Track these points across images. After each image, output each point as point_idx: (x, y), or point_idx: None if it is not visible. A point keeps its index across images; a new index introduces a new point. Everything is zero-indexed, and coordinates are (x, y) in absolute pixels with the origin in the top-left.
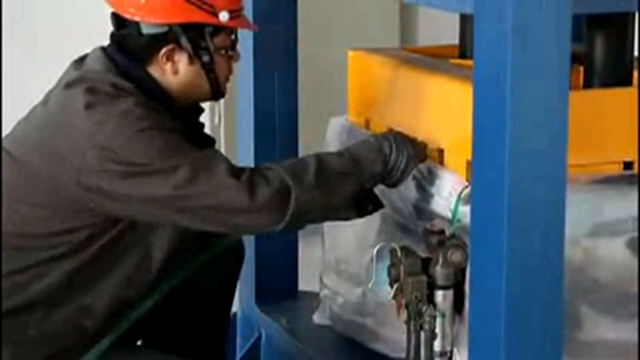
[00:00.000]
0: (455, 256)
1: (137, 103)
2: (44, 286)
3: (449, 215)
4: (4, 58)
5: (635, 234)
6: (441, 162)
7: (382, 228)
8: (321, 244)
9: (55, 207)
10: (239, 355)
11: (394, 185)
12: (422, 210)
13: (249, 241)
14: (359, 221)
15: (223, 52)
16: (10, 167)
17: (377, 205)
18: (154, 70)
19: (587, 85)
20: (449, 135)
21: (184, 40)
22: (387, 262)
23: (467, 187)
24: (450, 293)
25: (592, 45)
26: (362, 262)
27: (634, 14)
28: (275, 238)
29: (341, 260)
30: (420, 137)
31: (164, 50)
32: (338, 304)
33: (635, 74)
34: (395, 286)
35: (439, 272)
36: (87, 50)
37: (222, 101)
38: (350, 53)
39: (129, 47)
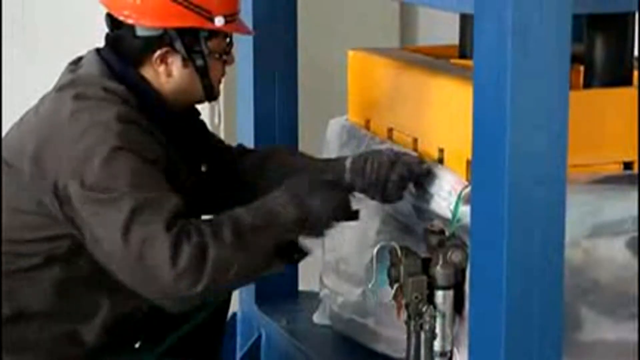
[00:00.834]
0: (456, 256)
1: (119, 117)
2: (37, 294)
3: (449, 215)
4: (4, 58)
5: (635, 234)
6: (441, 162)
7: (382, 228)
8: (321, 244)
9: (38, 213)
10: (239, 355)
11: (319, 235)
12: (422, 210)
13: None
14: (359, 221)
15: (217, 56)
16: (4, 173)
17: (302, 253)
18: (147, 73)
19: (587, 85)
20: (449, 135)
21: (178, 44)
22: (387, 262)
23: (467, 187)
24: (450, 293)
25: (592, 45)
26: (362, 262)
27: (634, 14)
28: None
29: (341, 260)
30: (420, 136)
31: (157, 53)
32: (338, 304)
33: (636, 73)
34: (395, 286)
35: (439, 272)
36: (86, 51)
37: (222, 101)
38: (350, 53)
39: (123, 48)
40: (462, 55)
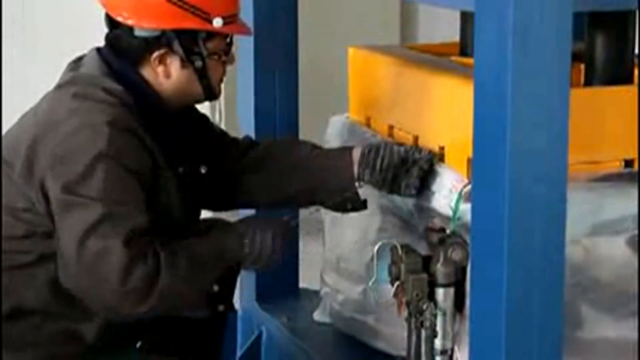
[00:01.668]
0: (456, 254)
1: (111, 122)
2: (33, 292)
3: (450, 213)
4: (4, 58)
5: (636, 232)
6: (442, 160)
7: (382, 226)
8: (322, 242)
9: (30, 210)
10: (239, 352)
11: (265, 267)
12: (422, 208)
13: None
14: (360, 219)
15: (216, 56)
16: (4, 171)
17: (229, 305)
18: (146, 73)
19: (588, 83)
20: (450, 133)
21: (176, 46)
22: (388, 260)
23: (467, 184)
24: (451, 291)
25: (593, 43)
26: (362, 260)
27: (634, 12)
28: None
29: (342, 258)
30: (421, 134)
31: (155, 54)
32: (339, 302)
33: (636, 71)
34: (396, 284)
35: (440, 270)
36: (87, 50)
37: (222, 100)
38: (351, 50)
39: (122, 48)
40: (463, 53)
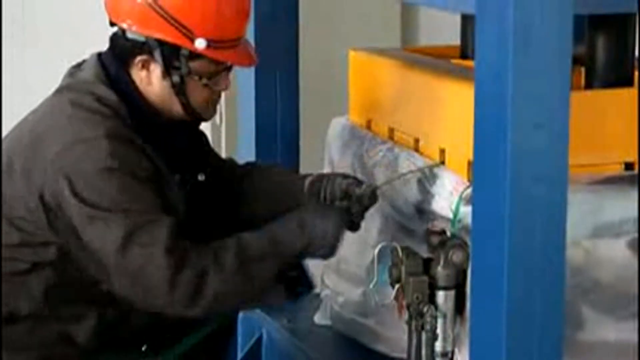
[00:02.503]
0: (457, 256)
1: (108, 133)
2: (26, 299)
3: (450, 215)
4: (4, 58)
5: (636, 234)
6: (442, 162)
7: (383, 228)
8: None
9: (26, 218)
10: (240, 355)
11: (325, 256)
12: (423, 210)
13: None
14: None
15: (197, 77)
16: (4, 175)
17: (308, 285)
18: (135, 76)
19: (588, 85)
20: (451, 136)
21: (157, 55)
22: (388, 263)
23: (468, 187)
24: (451, 293)
25: (594, 45)
26: (363, 262)
27: (635, 15)
28: None
29: (342, 260)
30: (421, 136)
31: (138, 58)
32: (339, 304)
33: (637, 74)
34: (396, 286)
35: (440, 272)
36: (87, 51)
37: (223, 101)
38: (352, 53)
39: (117, 48)
40: (464, 56)
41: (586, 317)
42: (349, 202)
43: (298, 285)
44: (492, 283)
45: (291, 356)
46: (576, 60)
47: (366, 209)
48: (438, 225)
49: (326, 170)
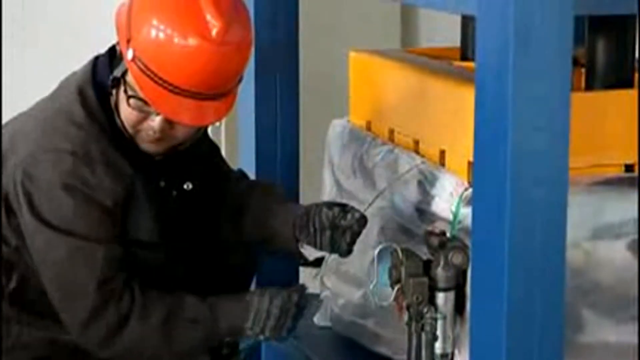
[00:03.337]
0: (457, 258)
1: (74, 150)
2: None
3: (450, 217)
4: (4, 58)
5: (636, 236)
6: (442, 164)
7: (383, 229)
8: None
9: (8, 222)
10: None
11: (265, 340)
12: (423, 211)
13: None
14: None
15: (123, 88)
16: None
17: (232, 348)
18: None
19: (589, 87)
20: (451, 137)
21: (117, 50)
22: (388, 264)
23: (468, 188)
24: (451, 295)
25: (594, 47)
26: (363, 263)
27: (635, 16)
28: None
29: (342, 261)
30: (421, 138)
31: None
32: (339, 305)
33: (637, 75)
34: (396, 288)
35: (440, 274)
36: (87, 51)
37: None
38: (352, 54)
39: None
40: (464, 57)
41: (586, 319)
42: (338, 232)
43: (223, 346)
44: (492, 284)
45: (290, 357)
46: (576, 62)
47: (358, 234)
48: (438, 226)
49: (326, 171)
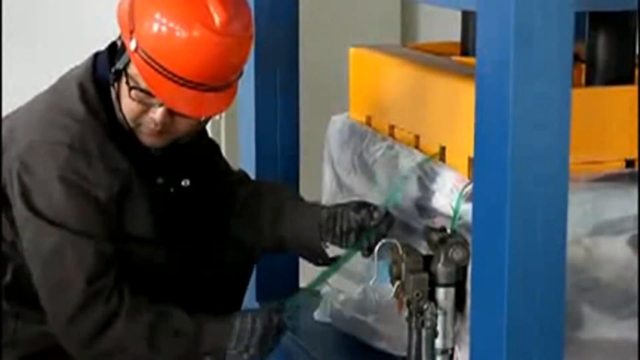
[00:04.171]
0: (457, 254)
1: (72, 143)
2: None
3: (451, 212)
4: (4, 58)
5: (637, 232)
6: (443, 160)
7: None
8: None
9: (5, 215)
10: None
11: (261, 355)
12: (423, 207)
13: None
14: None
15: (125, 80)
16: None
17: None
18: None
19: (589, 83)
20: (451, 133)
21: (119, 41)
22: (389, 260)
23: (468, 184)
24: (451, 291)
25: (594, 43)
26: (363, 259)
27: (635, 12)
28: None
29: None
30: (422, 133)
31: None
32: (339, 301)
33: (637, 71)
34: (396, 284)
35: (441, 269)
36: (88, 50)
37: None
38: (352, 50)
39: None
40: (464, 53)
41: (586, 315)
42: (364, 233)
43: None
44: (493, 280)
45: (291, 353)
46: (577, 57)
47: (385, 235)
48: (438, 222)
49: (326, 166)
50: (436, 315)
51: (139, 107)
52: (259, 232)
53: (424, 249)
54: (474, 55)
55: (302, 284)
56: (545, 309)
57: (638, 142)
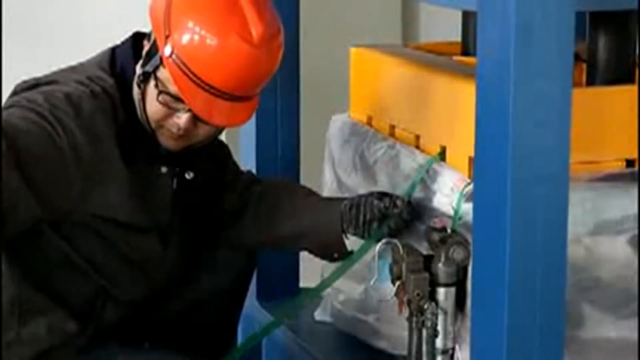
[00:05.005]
0: (458, 253)
1: (92, 94)
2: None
3: (451, 212)
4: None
5: (637, 232)
6: (443, 159)
7: None
8: None
9: None
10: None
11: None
12: (424, 207)
13: None
14: None
15: (154, 83)
16: None
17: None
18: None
19: (590, 82)
20: (451, 132)
21: (147, 43)
22: (389, 259)
23: (469, 184)
24: (452, 290)
25: (595, 42)
26: (364, 259)
27: (636, 12)
28: None
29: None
30: (422, 133)
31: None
32: (340, 301)
33: (638, 71)
34: (397, 283)
35: (441, 269)
36: (88, 50)
37: None
38: (353, 50)
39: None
40: (465, 52)
41: (587, 314)
42: (385, 221)
43: None
44: (493, 280)
45: (291, 353)
46: (577, 57)
47: (406, 221)
48: (439, 222)
49: (326, 166)
50: (437, 315)
51: (165, 111)
52: (266, 230)
53: (424, 248)
54: (474, 55)
55: (303, 283)
56: (546, 309)
57: (638, 142)
